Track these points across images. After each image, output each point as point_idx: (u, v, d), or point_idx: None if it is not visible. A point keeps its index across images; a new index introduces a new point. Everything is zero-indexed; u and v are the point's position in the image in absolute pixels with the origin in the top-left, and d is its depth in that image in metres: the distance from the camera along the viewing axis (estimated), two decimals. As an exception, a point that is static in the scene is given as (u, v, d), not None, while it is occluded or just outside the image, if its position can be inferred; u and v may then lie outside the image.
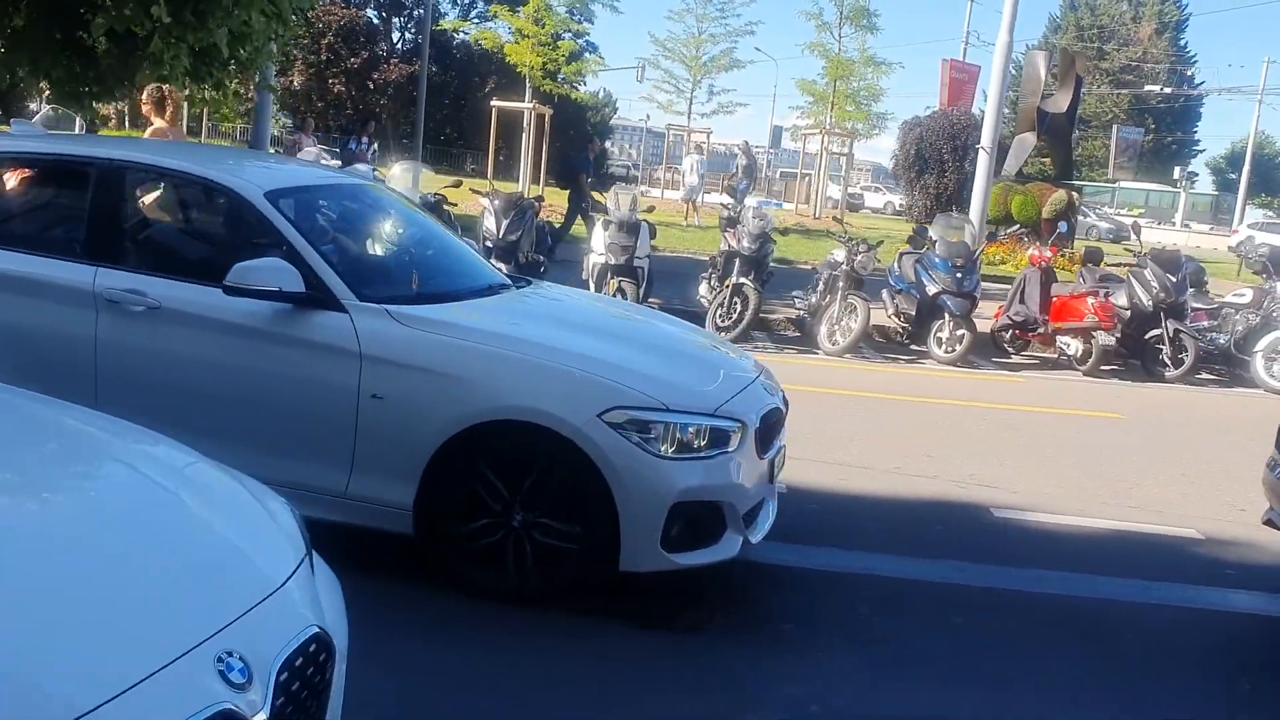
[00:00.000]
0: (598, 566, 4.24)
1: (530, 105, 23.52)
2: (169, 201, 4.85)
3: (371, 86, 48.78)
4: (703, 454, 4.32)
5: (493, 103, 24.64)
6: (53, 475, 2.54)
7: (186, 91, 16.39)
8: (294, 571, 2.52)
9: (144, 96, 8.78)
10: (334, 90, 48.43)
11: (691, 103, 33.26)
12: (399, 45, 54.00)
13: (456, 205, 12.43)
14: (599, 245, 11.63)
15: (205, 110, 36.62)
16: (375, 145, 20.21)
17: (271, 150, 21.98)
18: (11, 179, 4.94)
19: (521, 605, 4.27)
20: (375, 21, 53.77)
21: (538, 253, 12.24)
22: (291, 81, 47.95)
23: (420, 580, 4.41)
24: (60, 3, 13.51)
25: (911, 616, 4.73)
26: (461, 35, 44.40)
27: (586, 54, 36.55)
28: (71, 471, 2.60)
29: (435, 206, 11.92)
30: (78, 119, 13.23)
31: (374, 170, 12.93)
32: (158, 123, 9.05)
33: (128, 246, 4.65)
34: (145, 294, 4.46)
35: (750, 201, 12.79)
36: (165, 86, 8.87)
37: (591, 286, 11.54)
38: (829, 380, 10.22)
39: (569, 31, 26.94)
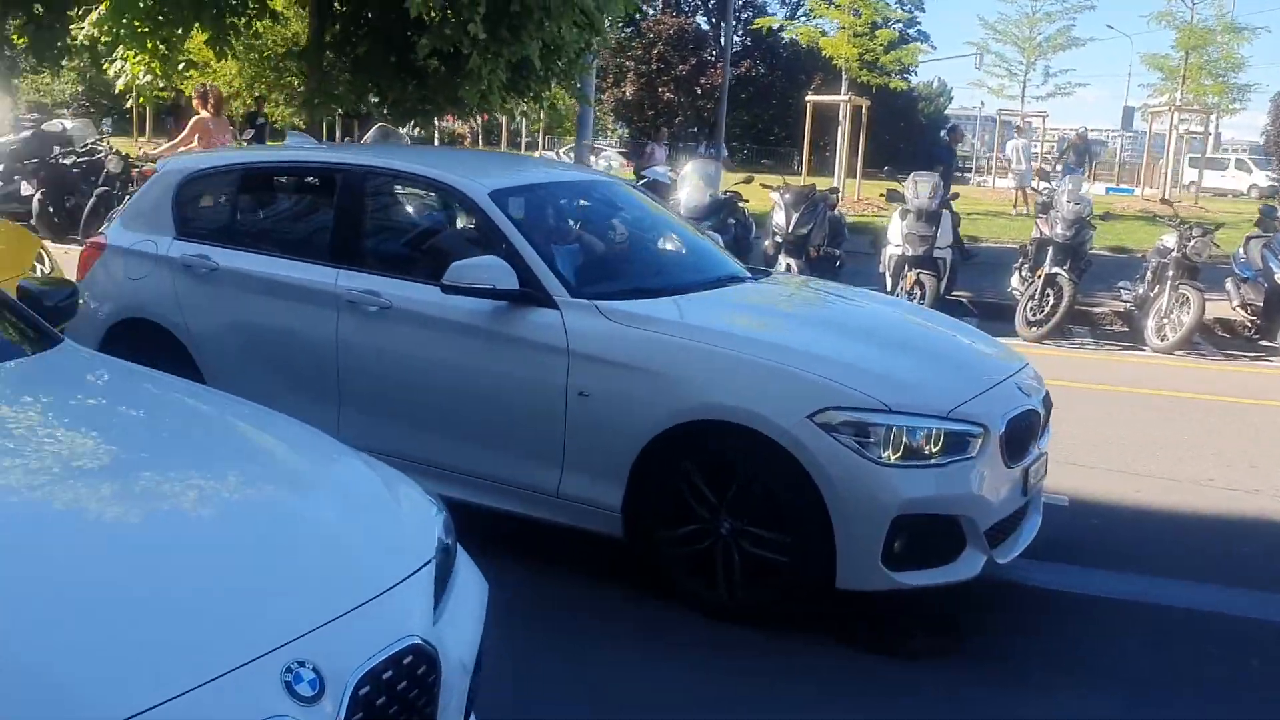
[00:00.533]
0: (813, 582, 3.90)
1: (845, 97, 22.97)
2: (403, 203, 4.99)
3: (699, 92, 49.71)
4: (934, 461, 3.88)
5: (807, 97, 24.29)
6: (173, 469, 2.57)
7: (509, 106, 17.23)
8: (409, 576, 2.40)
9: (194, 93, 10.74)
10: (664, 98, 49.77)
11: (1025, 86, 31.30)
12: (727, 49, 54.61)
13: (749, 201, 12.28)
14: (895, 236, 11.08)
15: (543, 125, 38.55)
16: (725, 150, 20.03)
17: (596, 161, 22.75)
18: (272, 187, 5.26)
19: (733, 619, 4.00)
20: (705, 27, 54.76)
21: (832, 246, 11.84)
22: (624, 92, 49.77)
23: (632, 586, 4.26)
24: (393, 29, 14.62)
25: (1193, 654, 4.03)
26: (783, 33, 44.13)
27: (915, 42, 35.36)
28: (194, 467, 2.62)
29: (728, 203, 11.85)
30: (405, 135, 14.18)
31: (668, 171, 13.02)
32: (202, 113, 10.95)
33: (366, 248, 4.81)
34: (379, 294, 4.58)
35: (1065, 184, 11.74)
36: (208, 84, 10.56)
37: (888, 280, 11.03)
38: (1151, 380, 9.17)
39: (894, 20, 26.12)
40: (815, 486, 3.79)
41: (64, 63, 23.11)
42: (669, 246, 5.33)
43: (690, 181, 11.57)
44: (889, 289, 10.86)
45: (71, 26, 17.05)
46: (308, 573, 2.27)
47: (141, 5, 14.41)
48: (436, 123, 23.50)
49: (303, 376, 4.78)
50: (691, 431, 3.98)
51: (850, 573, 3.83)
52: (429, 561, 2.51)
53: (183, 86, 27.90)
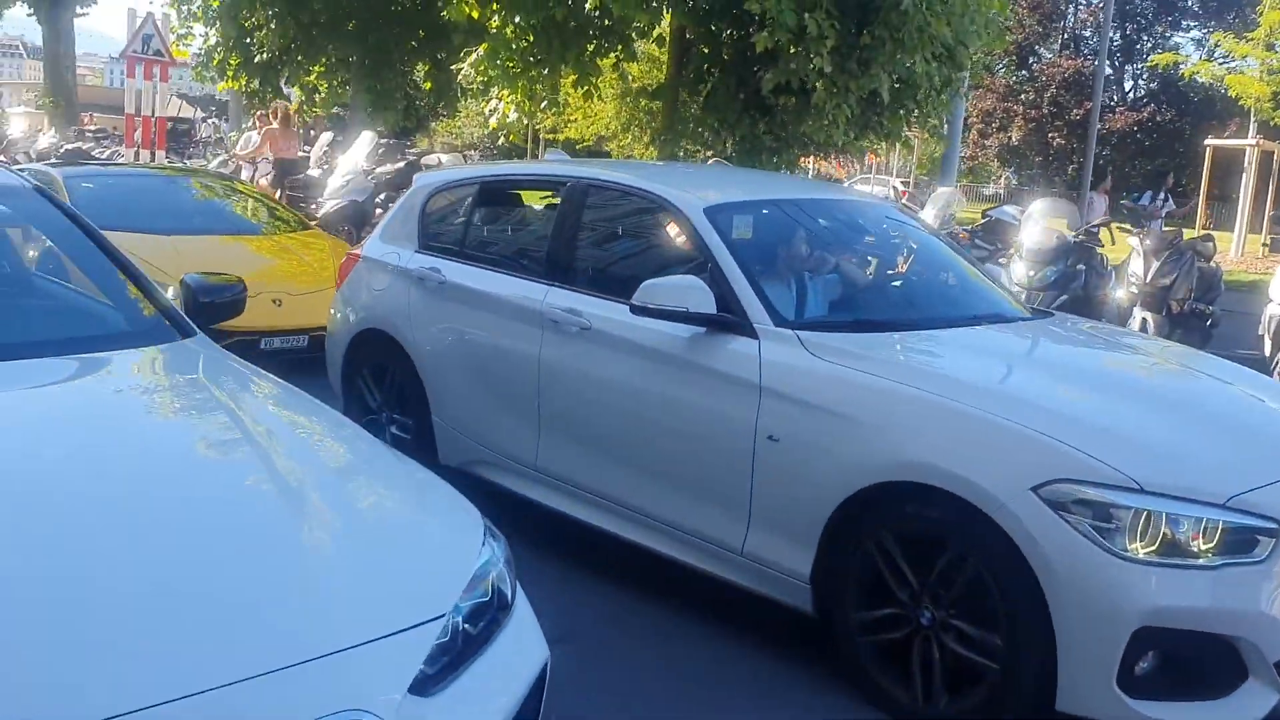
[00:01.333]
0: (1026, 698, 3.08)
1: (1253, 142, 20.33)
2: (621, 219, 4.62)
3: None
4: (1202, 562, 2.96)
5: (1206, 141, 21.77)
6: (166, 482, 2.29)
7: (861, 143, 16.58)
8: (390, 634, 1.98)
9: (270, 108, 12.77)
10: (1053, 144, 46.87)
11: None
12: (1130, 93, 50.75)
13: (1104, 245, 10.93)
14: (1279, 294, 9.42)
15: (914, 172, 37.45)
16: (1170, 200, 18.10)
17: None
18: (504, 201, 5.07)
19: (927, 728, 3.26)
20: (1107, 71, 51.12)
21: (1203, 301, 10.25)
22: (1009, 138, 47.39)
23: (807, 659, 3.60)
24: (743, 65, 14.54)
25: None
26: (1181, 71, 40.06)
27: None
28: (193, 481, 2.33)
29: (1080, 248, 10.60)
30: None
31: (1016, 211, 11.82)
32: (272, 124, 12.76)
33: (577, 265, 4.47)
34: (580, 314, 4.23)
35: None
36: (279, 102, 11.88)
37: (1266, 344, 9.39)
38: None
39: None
40: (1035, 577, 2.99)
41: (459, 105, 25.28)
42: (925, 277, 4.61)
43: (1035, 222, 10.46)
44: (1267, 354, 9.24)
45: (454, 66, 18.47)
46: (251, 615, 1.90)
47: (514, 47, 15.30)
48: (804, 163, 22.84)
49: (510, 398, 4.52)
50: (892, 494, 3.30)
51: (1074, 693, 2.99)
52: (437, 618, 2.08)
53: (564, 129, 29.49)
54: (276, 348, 7.24)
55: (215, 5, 18.59)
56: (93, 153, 19.94)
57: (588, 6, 13.90)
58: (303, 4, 18.04)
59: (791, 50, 12.93)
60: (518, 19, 14.81)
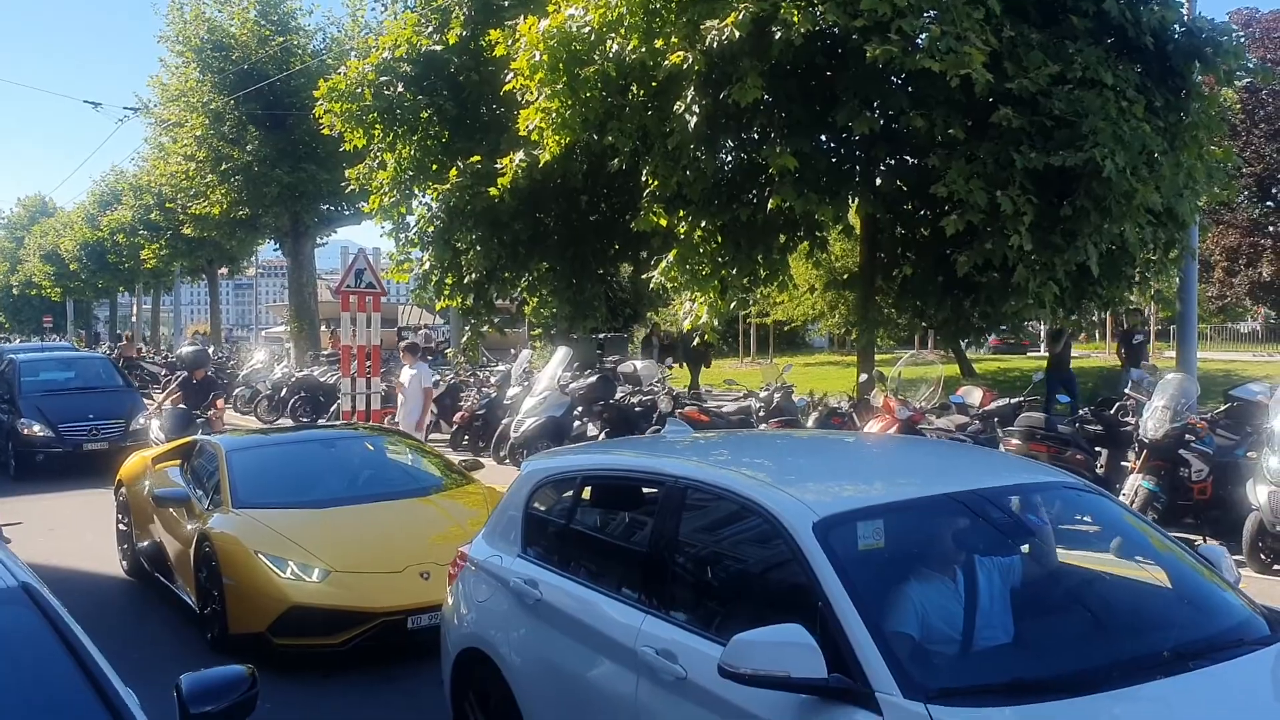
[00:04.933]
0: None
1: None
2: (716, 530, 3.81)
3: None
4: None
5: None
6: None
7: (1074, 319, 15.22)
8: None
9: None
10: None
11: None
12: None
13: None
14: None
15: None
16: None
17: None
18: (605, 501, 4.38)
19: None
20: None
21: None
22: (1260, 274, 43.68)
23: None
24: (938, 244, 13.78)
25: None
26: None
27: None
28: None
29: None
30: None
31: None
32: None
33: (673, 589, 3.69)
34: (675, 657, 3.44)
35: None
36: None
37: None
38: None
39: None
40: None
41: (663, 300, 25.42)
42: (1126, 595, 3.52)
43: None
44: None
45: (644, 276, 18.43)
46: None
47: (701, 250, 15.06)
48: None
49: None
50: None
51: None
52: None
53: (773, 311, 29.21)
54: (424, 625, 6.67)
55: (429, 230, 19.47)
56: (322, 378, 20.94)
57: (769, 206, 13.53)
58: (504, 226, 18.68)
59: (988, 229, 12.06)
60: (704, 224, 14.61)
